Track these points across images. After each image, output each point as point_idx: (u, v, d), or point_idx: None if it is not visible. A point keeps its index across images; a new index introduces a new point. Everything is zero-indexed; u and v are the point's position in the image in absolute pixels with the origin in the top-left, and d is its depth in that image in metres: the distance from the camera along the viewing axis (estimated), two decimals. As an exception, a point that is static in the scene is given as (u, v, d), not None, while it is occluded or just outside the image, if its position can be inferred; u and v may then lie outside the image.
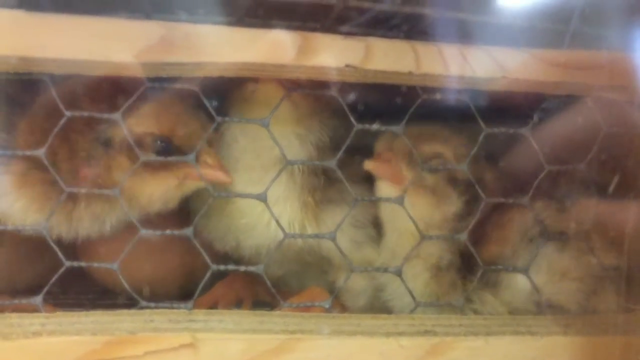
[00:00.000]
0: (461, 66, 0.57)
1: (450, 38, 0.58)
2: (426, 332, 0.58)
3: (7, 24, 0.54)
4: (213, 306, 0.75)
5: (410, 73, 0.57)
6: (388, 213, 0.68)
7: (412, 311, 0.61)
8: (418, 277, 0.66)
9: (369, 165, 0.66)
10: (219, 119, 0.61)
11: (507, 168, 0.71)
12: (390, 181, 0.65)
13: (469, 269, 0.64)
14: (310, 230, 0.69)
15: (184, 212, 0.72)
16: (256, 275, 0.69)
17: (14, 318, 0.56)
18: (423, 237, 0.61)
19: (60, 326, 0.55)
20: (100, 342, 0.54)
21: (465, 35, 0.58)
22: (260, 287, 0.78)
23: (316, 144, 0.69)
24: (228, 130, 0.68)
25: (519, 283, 0.64)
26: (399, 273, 0.60)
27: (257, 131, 0.64)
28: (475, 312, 0.65)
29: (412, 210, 0.62)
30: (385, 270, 0.65)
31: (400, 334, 0.57)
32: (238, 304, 0.77)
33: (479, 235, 0.64)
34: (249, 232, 0.70)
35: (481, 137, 0.61)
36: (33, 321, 0.56)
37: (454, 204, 0.65)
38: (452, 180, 0.66)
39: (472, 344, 0.58)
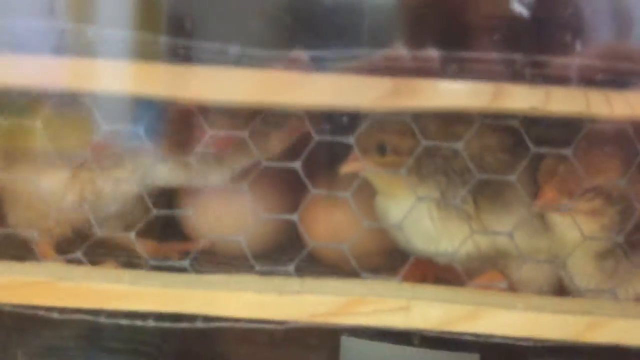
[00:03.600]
0: (624, 108, 0.72)
1: (613, 85, 0.73)
2: (585, 312, 0.75)
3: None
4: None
5: (579, 113, 0.73)
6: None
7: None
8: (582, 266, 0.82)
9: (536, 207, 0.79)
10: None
11: None
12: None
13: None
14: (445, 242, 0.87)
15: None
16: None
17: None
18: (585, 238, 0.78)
19: (314, 287, 0.80)
20: (342, 303, 0.77)
21: (628, 81, 0.73)
22: (439, 269, 0.97)
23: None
24: None
25: None
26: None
27: None
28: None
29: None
30: (552, 261, 0.83)
31: (565, 311, 0.75)
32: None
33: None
34: None
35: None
36: (294, 282, 0.81)
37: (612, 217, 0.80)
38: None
39: (626, 323, 0.74)
